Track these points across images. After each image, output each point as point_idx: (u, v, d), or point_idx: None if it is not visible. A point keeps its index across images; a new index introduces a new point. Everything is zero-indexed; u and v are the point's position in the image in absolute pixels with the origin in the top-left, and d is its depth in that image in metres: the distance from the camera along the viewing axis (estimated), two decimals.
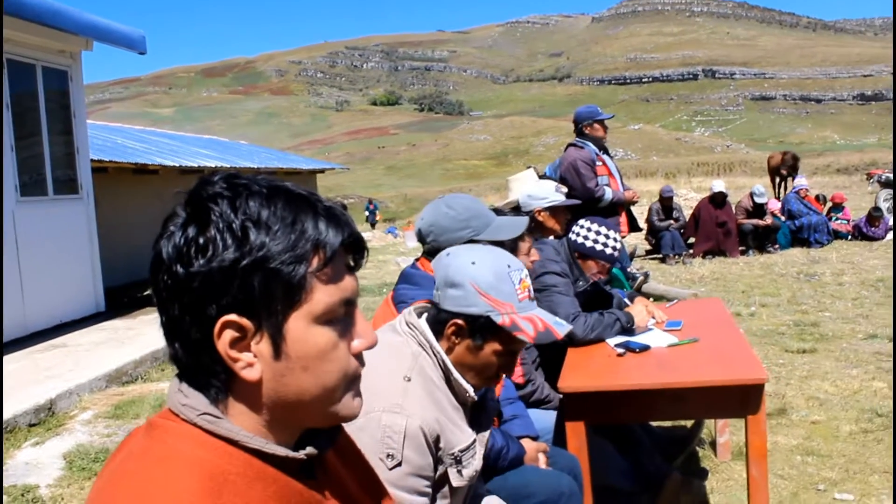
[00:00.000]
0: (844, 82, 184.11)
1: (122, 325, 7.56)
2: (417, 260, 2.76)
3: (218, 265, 0.88)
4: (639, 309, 3.42)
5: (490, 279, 1.82)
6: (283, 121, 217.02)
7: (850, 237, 12.87)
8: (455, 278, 1.84)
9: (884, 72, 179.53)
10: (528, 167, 20.38)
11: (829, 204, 13.94)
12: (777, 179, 20.18)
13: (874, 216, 12.75)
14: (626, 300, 3.80)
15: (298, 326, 0.91)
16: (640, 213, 15.25)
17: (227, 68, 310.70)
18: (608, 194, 6.66)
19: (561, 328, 1.86)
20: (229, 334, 0.89)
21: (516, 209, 4.70)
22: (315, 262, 0.91)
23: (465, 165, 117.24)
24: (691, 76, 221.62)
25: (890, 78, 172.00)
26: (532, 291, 1.89)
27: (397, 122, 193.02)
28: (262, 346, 0.90)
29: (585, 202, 6.33)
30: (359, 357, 0.99)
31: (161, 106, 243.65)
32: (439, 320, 1.87)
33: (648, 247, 12.66)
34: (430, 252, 2.62)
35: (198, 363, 0.92)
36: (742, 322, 7.14)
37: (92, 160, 9.13)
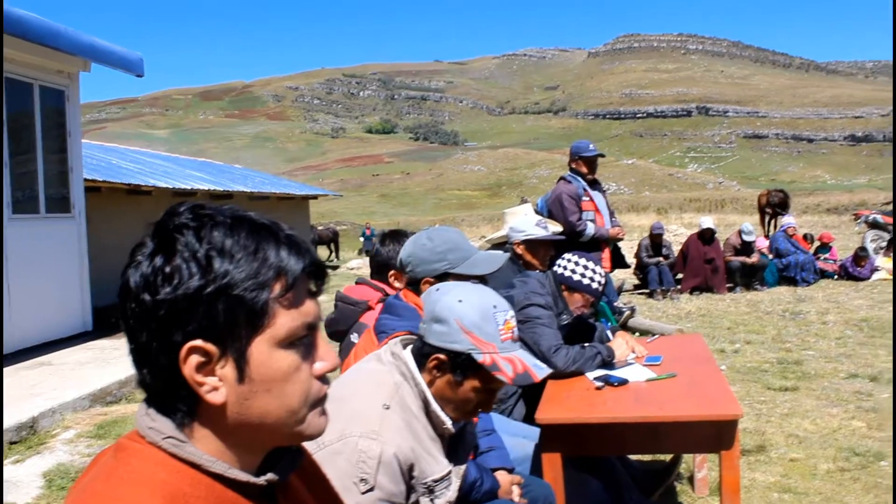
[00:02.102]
0: (836, 123, 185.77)
1: (109, 344, 7.55)
2: (401, 290, 2.77)
3: (183, 293, 0.91)
4: (620, 343, 3.47)
5: (475, 318, 1.87)
6: (278, 146, 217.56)
7: (836, 277, 12.94)
8: (441, 314, 1.89)
9: (874, 114, 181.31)
10: (522, 199, 20.33)
11: (817, 243, 14.04)
12: (766, 217, 20.31)
13: (860, 256, 12.85)
14: (609, 334, 3.84)
15: (262, 350, 0.94)
16: (630, 248, 15.34)
17: (224, 92, 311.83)
18: (590, 229, 6.74)
19: (540, 371, 1.91)
20: (195, 359, 0.92)
21: (503, 244, 4.76)
22: (277, 288, 0.94)
23: (458, 195, 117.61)
24: (685, 113, 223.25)
25: (880, 120, 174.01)
26: (516, 333, 1.94)
27: (392, 151, 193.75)
28: (227, 370, 0.94)
29: (568, 236, 6.39)
30: (322, 378, 1.01)
31: (157, 127, 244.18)
32: (423, 353, 1.92)
33: (637, 281, 12.71)
34: (411, 283, 2.65)
35: (165, 388, 0.95)
36: (726, 359, 7.17)
37: (85, 179, 9.16)
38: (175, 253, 0.93)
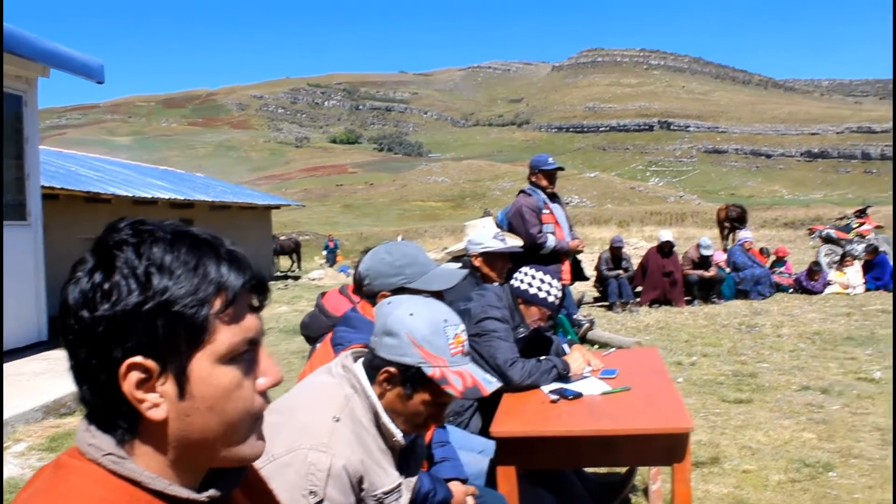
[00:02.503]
0: (792, 139, 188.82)
1: (64, 355, 7.41)
2: (358, 303, 2.78)
3: (122, 309, 0.90)
4: (576, 356, 3.50)
5: (425, 332, 1.89)
6: (241, 154, 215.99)
7: (791, 290, 13.18)
8: (392, 327, 1.90)
9: (829, 131, 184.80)
10: (485, 211, 20.40)
11: (773, 257, 14.29)
12: (725, 231, 20.60)
13: (814, 270, 13.10)
14: (566, 347, 3.87)
15: (203, 366, 0.94)
16: (591, 260, 15.45)
17: (188, 99, 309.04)
18: (550, 241, 6.79)
19: (489, 385, 1.93)
20: (135, 376, 0.91)
21: (462, 256, 4.78)
22: (217, 303, 0.94)
23: (422, 206, 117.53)
24: (647, 127, 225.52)
25: (835, 137, 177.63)
26: (466, 347, 1.96)
27: (356, 161, 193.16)
28: (167, 386, 0.93)
29: (528, 248, 6.45)
30: (264, 395, 1.01)
31: (119, 134, 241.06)
32: (374, 366, 1.93)
33: (597, 294, 12.82)
34: (369, 296, 2.67)
35: (105, 404, 0.94)
36: (683, 371, 7.26)
37: (43, 187, 9.03)
38: (114, 269, 0.92)
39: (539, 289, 3.69)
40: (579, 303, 10.87)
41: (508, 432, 2.74)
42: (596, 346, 8.45)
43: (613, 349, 4.72)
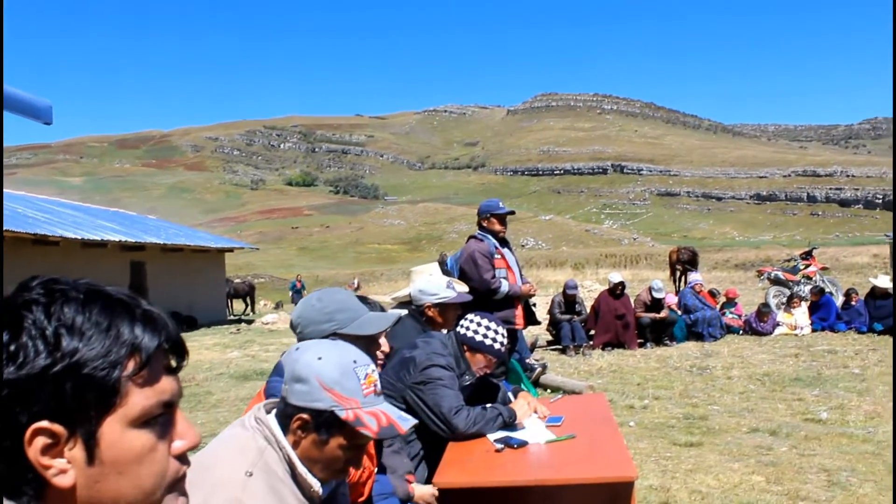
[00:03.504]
0: (742, 182, 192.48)
1: None
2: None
3: (28, 372, 0.87)
4: (521, 404, 3.49)
5: (335, 375, 1.87)
6: (196, 196, 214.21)
7: (741, 332, 13.33)
8: (301, 373, 1.88)
9: (776, 174, 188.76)
10: (441, 254, 20.29)
11: (723, 299, 14.46)
12: (677, 273, 20.87)
13: (763, 312, 13.27)
14: (510, 395, 3.86)
15: (113, 431, 0.90)
16: (544, 303, 15.51)
17: (142, 140, 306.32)
18: (504, 286, 6.76)
19: (405, 423, 1.91)
20: (41, 441, 0.87)
21: (408, 302, 4.76)
22: (130, 365, 0.91)
23: (377, 249, 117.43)
24: (601, 170, 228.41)
25: (782, 180, 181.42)
26: (379, 386, 1.94)
27: (312, 204, 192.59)
28: (76, 451, 0.89)
29: (481, 293, 6.45)
30: (181, 458, 0.99)
31: (71, 174, 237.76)
32: (286, 414, 1.90)
33: (550, 338, 12.84)
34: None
35: (10, 470, 0.89)
36: (635, 414, 7.27)
37: None
38: (22, 330, 0.89)
39: (485, 336, 3.69)
40: (532, 347, 10.88)
41: (452, 483, 2.71)
42: (548, 391, 8.44)
43: (560, 395, 4.72)
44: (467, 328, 3.74)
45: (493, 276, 6.72)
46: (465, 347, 3.71)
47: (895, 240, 19.82)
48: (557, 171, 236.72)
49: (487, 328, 3.71)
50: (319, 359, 1.89)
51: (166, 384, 0.96)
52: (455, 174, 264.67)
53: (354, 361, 1.91)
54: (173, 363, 0.99)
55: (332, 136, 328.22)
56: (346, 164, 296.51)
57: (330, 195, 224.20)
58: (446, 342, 3.72)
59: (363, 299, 2.87)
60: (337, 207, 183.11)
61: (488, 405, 3.47)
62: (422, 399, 3.37)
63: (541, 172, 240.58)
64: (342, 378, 1.87)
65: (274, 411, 1.97)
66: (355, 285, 38.04)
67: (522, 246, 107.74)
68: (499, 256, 6.88)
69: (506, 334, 3.80)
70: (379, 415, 1.88)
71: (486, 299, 6.44)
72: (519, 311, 7.07)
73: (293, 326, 2.69)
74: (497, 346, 3.70)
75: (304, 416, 1.87)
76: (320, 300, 2.65)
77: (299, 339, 2.66)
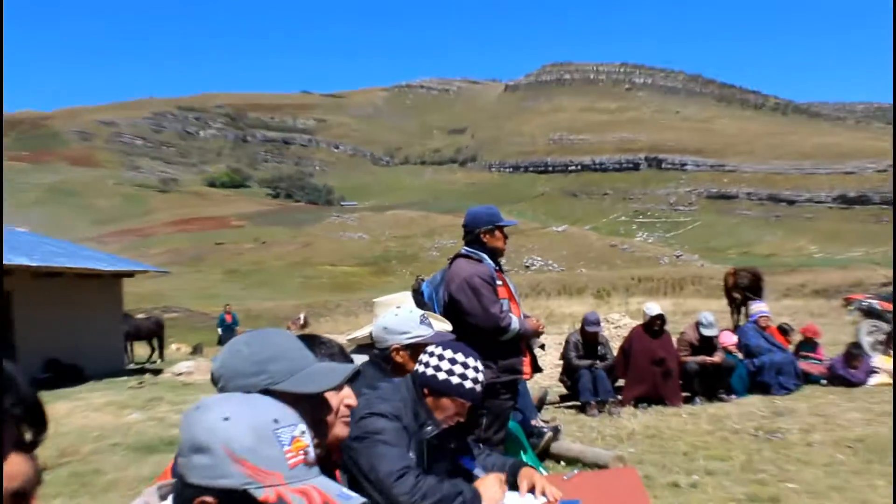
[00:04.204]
0: (822, 180, 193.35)
1: None
2: None
3: None
4: (489, 484, 3.42)
5: (248, 440, 1.80)
6: (84, 201, 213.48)
7: (824, 381, 13.28)
8: (203, 440, 1.81)
9: (868, 168, 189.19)
10: (417, 279, 20.39)
11: (799, 337, 14.44)
12: (735, 303, 20.88)
13: (853, 354, 13.20)
14: (477, 470, 3.77)
15: None
16: (555, 344, 15.43)
17: (12, 125, 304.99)
18: (515, 323, 6.61)
19: (347, 502, 1.83)
20: None
21: (370, 344, 4.67)
22: None
23: (332, 273, 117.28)
24: (631, 165, 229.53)
25: (876, 176, 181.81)
26: (311, 454, 1.87)
27: (243, 212, 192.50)
28: None
29: (480, 334, 6.28)
30: None
31: None
32: (184, 498, 1.84)
33: (564, 390, 12.75)
34: None
35: None
36: (680, 495, 7.20)
37: None
38: None
39: (450, 373, 3.62)
40: (540, 404, 10.79)
41: None
42: (561, 464, 8.35)
43: (578, 470, 4.64)
44: (427, 364, 3.68)
45: (502, 310, 6.57)
46: (426, 391, 3.63)
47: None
48: (573, 167, 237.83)
49: (453, 361, 3.64)
50: (226, 419, 1.82)
51: (17, 466, 0.91)
52: (435, 171, 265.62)
53: (275, 421, 1.85)
54: (27, 436, 0.94)
55: (270, 121, 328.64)
56: (288, 159, 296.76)
57: (266, 200, 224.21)
58: (398, 385, 3.67)
59: (312, 341, 2.82)
60: (276, 217, 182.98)
61: (450, 479, 3.40)
62: (355, 460, 3.31)
63: (551, 168, 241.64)
64: (258, 444, 1.80)
65: (171, 497, 1.91)
66: (301, 322, 37.92)
67: (527, 267, 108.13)
68: (500, 283, 6.77)
69: (481, 368, 3.74)
70: (311, 493, 1.79)
71: (483, 341, 6.29)
72: (527, 358, 7.00)
73: (214, 379, 2.62)
74: (468, 384, 3.62)
75: (208, 498, 1.79)
76: (249, 344, 2.57)
77: None
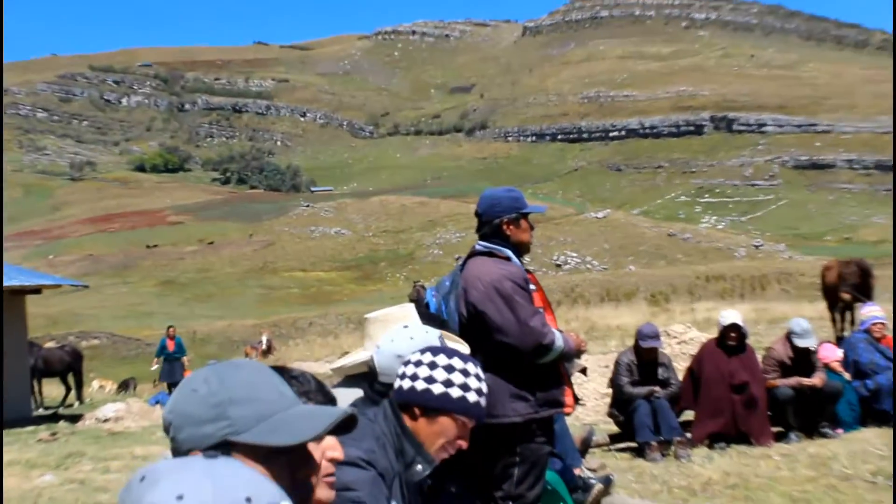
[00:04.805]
0: None
1: None
2: None
3: None
4: None
5: None
6: None
7: None
8: None
9: None
10: (416, 285, 20.43)
11: None
12: (838, 307, 20.76)
13: None
14: None
15: None
16: (600, 367, 15.38)
17: None
18: (559, 341, 6.51)
19: None
20: None
21: (366, 375, 4.62)
22: None
23: (301, 280, 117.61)
24: (693, 129, 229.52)
25: None
26: None
27: (182, 204, 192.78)
28: None
29: (514, 356, 6.20)
30: None
31: None
32: None
33: (614, 428, 12.72)
34: (176, 455, 2.53)
35: None
36: None
37: None
38: None
39: (448, 383, 3.58)
40: (585, 446, 10.75)
41: None
42: None
43: None
44: (415, 377, 3.64)
45: (544, 325, 6.48)
46: (417, 411, 3.59)
47: None
48: (615, 133, 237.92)
49: (450, 369, 3.61)
50: (180, 498, 1.78)
51: None
52: (434, 143, 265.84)
53: (248, 499, 1.83)
54: None
55: (215, 83, 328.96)
56: (240, 132, 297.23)
57: (213, 187, 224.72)
58: (375, 416, 3.64)
59: (282, 374, 2.75)
60: (227, 209, 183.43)
61: None
62: None
63: (586, 136, 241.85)
64: None
65: None
66: (263, 346, 38.00)
67: (557, 266, 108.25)
68: (534, 287, 6.71)
69: (482, 375, 3.72)
70: None
71: (516, 365, 6.22)
72: (568, 387, 6.92)
73: (165, 427, 2.55)
74: (473, 396, 3.60)
75: None
76: (208, 381, 2.51)
77: (174, 451, 2.55)
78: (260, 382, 2.53)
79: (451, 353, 3.70)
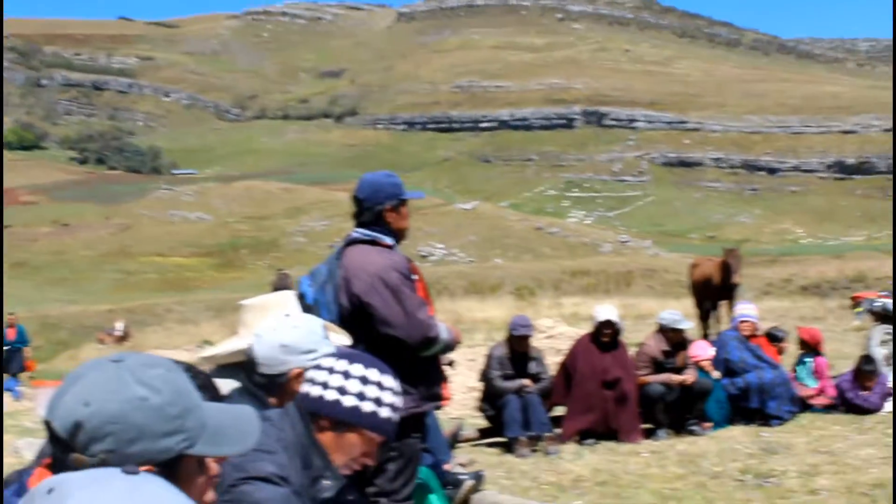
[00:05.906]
0: (814, 141, 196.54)
1: None
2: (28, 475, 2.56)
3: None
4: None
5: None
6: None
7: (826, 407, 13.38)
8: None
9: (873, 126, 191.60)
10: (279, 272, 20.25)
11: (791, 348, 14.51)
12: (705, 305, 20.96)
13: (865, 372, 13.27)
14: None
15: None
16: (468, 361, 15.39)
17: None
18: (444, 333, 6.50)
19: None
20: None
21: (242, 364, 4.51)
22: None
23: (159, 265, 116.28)
24: (563, 122, 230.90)
25: (883, 136, 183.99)
26: None
27: (36, 183, 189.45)
28: None
29: (399, 348, 6.15)
30: None
31: None
32: None
33: (484, 422, 12.69)
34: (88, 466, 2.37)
35: None
36: None
37: None
38: None
39: (361, 396, 3.49)
40: (453, 440, 10.72)
41: None
42: None
43: None
44: (325, 385, 3.53)
45: (430, 317, 6.45)
46: (325, 423, 3.50)
47: None
48: (486, 123, 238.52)
49: (365, 380, 3.51)
50: None
51: None
52: (303, 129, 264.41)
53: None
54: None
55: (75, 59, 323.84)
56: (100, 110, 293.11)
57: (70, 166, 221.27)
58: (277, 424, 3.51)
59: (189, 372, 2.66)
60: (84, 190, 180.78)
61: None
62: None
63: (457, 125, 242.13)
64: None
65: None
66: (119, 333, 37.40)
67: (423, 257, 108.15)
68: (416, 277, 6.66)
69: (397, 388, 3.65)
70: None
71: (401, 358, 6.15)
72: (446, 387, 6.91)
73: (85, 436, 2.30)
74: (385, 412, 3.52)
75: None
76: (154, 388, 2.32)
77: (93, 465, 2.34)
78: (189, 384, 2.41)
79: (368, 362, 3.60)
